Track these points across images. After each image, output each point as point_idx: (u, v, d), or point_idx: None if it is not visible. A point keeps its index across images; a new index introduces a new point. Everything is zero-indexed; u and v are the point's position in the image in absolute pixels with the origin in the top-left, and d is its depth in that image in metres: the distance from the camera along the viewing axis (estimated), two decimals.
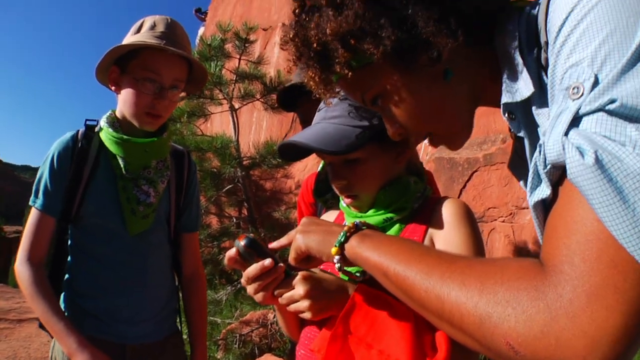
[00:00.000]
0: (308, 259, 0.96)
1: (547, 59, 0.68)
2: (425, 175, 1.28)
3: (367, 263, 0.81)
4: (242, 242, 0.96)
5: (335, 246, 0.86)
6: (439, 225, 1.11)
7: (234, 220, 5.24)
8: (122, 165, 1.57)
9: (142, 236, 1.61)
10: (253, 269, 0.96)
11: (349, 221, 1.22)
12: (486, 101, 0.90)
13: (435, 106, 0.84)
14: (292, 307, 0.99)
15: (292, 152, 1.19)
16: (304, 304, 0.96)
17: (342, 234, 0.87)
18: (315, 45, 0.83)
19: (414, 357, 0.87)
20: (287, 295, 0.98)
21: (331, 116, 1.13)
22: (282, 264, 0.98)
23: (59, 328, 1.45)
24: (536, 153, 0.62)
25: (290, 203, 6.85)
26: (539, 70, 0.73)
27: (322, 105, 1.18)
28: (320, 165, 1.59)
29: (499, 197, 4.91)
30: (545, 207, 0.62)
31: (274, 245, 1.01)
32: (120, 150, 1.57)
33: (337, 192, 1.20)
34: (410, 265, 0.71)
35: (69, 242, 1.60)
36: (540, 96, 0.72)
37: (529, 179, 0.63)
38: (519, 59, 0.75)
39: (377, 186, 1.16)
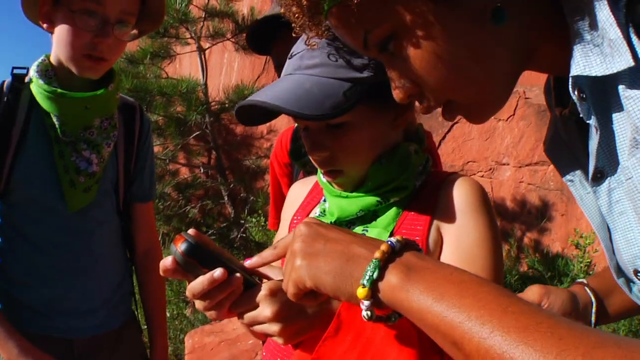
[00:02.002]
0: (314, 293, 0.64)
1: None
2: (425, 138, 1.05)
3: (421, 317, 0.51)
4: (180, 249, 0.68)
5: (364, 286, 0.55)
6: (450, 213, 0.89)
7: (202, 169, 4.97)
8: (57, 126, 1.28)
9: (84, 212, 1.34)
10: (199, 284, 0.69)
11: (330, 202, 0.98)
12: (535, 64, 0.66)
13: (472, 58, 0.60)
14: (258, 329, 0.74)
15: (255, 115, 0.92)
16: (273, 328, 0.72)
17: (372, 264, 0.55)
18: None
19: None
20: (250, 315, 0.73)
21: (308, 65, 0.85)
22: (238, 274, 0.70)
23: None
24: None
25: (261, 149, 6.59)
26: (628, 32, 0.51)
27: (295, 49, 0.90)
28: None
29: (479, 151, 4.76)
30: None
31: (254, 261, 0.73)
32: (54, 107, 1.27)
33: (316, 165, 0.95)
34: (511, 337, 0.43)
35: None
36: (635, 72, 0.51)
37: None
38: (607, 15, 0.52)
39: (369, 159, 0.92)
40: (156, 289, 1.57)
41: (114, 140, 1.39)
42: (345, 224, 0.95)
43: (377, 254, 0.55)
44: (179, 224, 4.55)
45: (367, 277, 0.55)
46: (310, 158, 0.94)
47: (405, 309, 0.53)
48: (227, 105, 4.64)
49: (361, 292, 0.55)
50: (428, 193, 0.93)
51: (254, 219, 5.21)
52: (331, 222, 0.94)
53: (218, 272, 0.68)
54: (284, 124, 4.99)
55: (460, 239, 0.88)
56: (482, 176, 4.77)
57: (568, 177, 0.73)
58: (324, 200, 1.02)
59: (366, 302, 0.55)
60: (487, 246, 0.86)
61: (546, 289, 0.80)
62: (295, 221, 1.08)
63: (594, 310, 0.82)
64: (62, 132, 1.28)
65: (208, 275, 0.68)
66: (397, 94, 0.68)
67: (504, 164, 4.56)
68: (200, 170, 4.94)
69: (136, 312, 1.58)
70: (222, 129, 6.67)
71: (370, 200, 0.92)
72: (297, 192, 1.15)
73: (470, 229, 0.87)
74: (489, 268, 0.85)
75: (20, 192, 1.28)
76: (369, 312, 0.56)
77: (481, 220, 0.88)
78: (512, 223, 4.43)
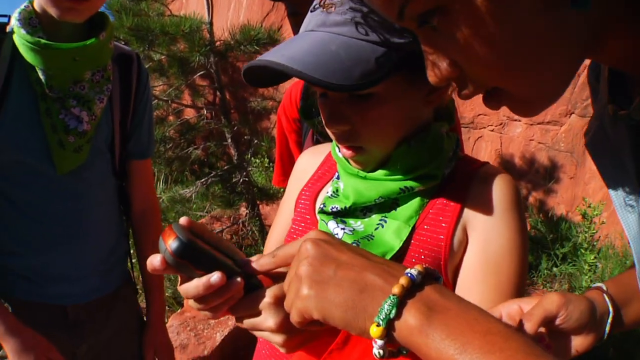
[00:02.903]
0: (319, 321, 0.56)
1: None
2: (454, 114, 0.94)
3: None
4: (170, 247, 0.57)
5: (379, 325, 0.48)
6: (481, 212, 0.81)
7: (205, 111, 4.85)
8: (43, 81, 1.18)
9: (76, 174, 1.26)
10: (193, 288, 0.59)
11: (346, 181, 0.87)
12: (597, 55, 0.55)
13: (537, 45, 0.49)
14: (259, 335, 0.66)
15: (266, 75, 0.78)
16: (276, 338, 0.64)
17: (390, 301, 0.48)
18: None
19: None
20: (252, 322, 0.64)
21: (335, 22, 0.72)
22: (239, 279, 0.61)
23: None
24: None
25: (267, 89, 6.42)
26: None
27: (318, 1, 0.77)
28: None
29: None
30: None
31: (256, 267, 0.64)
32: (38, 60, 1.16)
33: (333, 138, 0.84)
34: None
35: None
36: None
37: None
38: None
39: (395, 137, 0.82)
40: (154, 248, 1.52)
41: (108, 94, 1.30)
42: (360, 209, 0.86)
43: (396, 289, 0.48)
44: (182, 166, 4.48)
45: (382, 316, 0.48)
46: (328, 130, 0.82)
47: (423, 354, 0.47)
48: (232, 44, 4.45)
49: (375, 331, 0.48)
50: (457, 185, 0.84)
51: (257, 160, 5.15)
52: (346, 207, 0.85)
53: (215, 276, 0.59)
54: None
55: (487, 242, 0.80)
56: (492, 130, 4.66)
57: (608, 178, 0.66)
58: (338, 178, 0.92)
59: (379, 342, 0.49)
60: (516, 253, 0.80)
61: (566, 298, 0.74)
62: (303, 196, 0.98)
63: (609, 320, 0.78)
64: (48, 88, 1.18)
65: (204, 280, 0.59)
66: (432, 76, 0.57)
67: (515, 120, 4.44)
68: (204, 111, 4.82)
69: (132, 273, 1.54)
70: (228, 66, 6.49)
71: (392, 186, 0.82)
72: (307, 162, 1.05)
73: (501, 231, 0.80)
74: (513, 277, 0.80)
75: (5, 154, 1.19)
76: (381, 351, 0.50)
77: (513, 223, 0.81)
78: (518, 181, 4.36)
